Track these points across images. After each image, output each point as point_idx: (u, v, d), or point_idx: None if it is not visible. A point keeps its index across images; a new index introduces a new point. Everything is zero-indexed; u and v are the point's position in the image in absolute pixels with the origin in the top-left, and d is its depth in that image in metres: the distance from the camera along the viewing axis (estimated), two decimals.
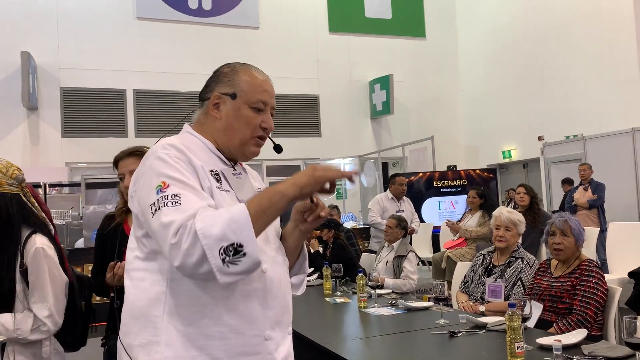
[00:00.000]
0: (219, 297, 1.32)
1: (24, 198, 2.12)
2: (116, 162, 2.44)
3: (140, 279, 1.38)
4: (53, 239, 2.11)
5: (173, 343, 1.32)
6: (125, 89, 10.82)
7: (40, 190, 8.53)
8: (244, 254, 1.22)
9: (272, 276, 1.41)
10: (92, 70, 10.55)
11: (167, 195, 1.27)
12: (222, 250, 1.20)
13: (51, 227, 2.15)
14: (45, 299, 2.01)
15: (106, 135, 10.60)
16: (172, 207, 1.25)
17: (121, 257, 2.25)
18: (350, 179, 1.35)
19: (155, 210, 1.26)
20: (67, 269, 2.15)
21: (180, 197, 1.26)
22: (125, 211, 2.44)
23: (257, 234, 1.25)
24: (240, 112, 1.48)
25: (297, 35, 12.04)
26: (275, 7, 11.96)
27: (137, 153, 2.33)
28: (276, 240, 1.50)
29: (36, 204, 2.16)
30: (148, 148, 1.60)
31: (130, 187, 1.43)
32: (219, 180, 1.41)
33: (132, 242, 1.44)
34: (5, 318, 1.98)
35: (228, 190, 1.42)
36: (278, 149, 1.58)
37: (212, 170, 1.41)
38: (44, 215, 2.17)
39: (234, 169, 1.50)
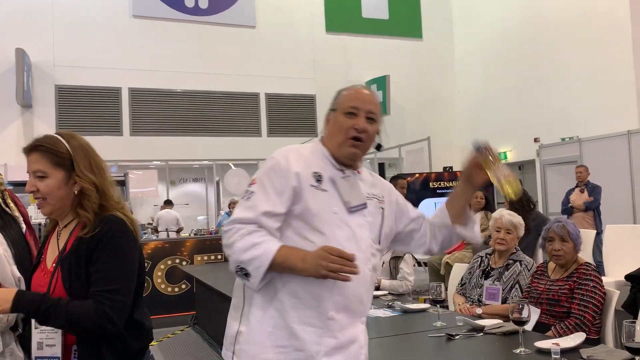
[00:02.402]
0: (292, 276, 1.63)
1: None
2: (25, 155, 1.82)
3: None
4: (12, 235, 2.12)
5: (260, 305, 1.68)
6: (120, 87, 10.76)
7: None
8: (248, 280, 1.62)
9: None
10: (87, 68, 10.49)
11: (249, 191, 1.69)
12: (238, 267, 1.62)
13: (22, 226, 2.21)
14: None
15: (101, 134, 10.53)
16: (245, 202, 1.67)
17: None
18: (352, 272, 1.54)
19: (241, 197, 1.71)
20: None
21: (253, 194, 1.67)
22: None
23: (273, 271, 1.61)
24: (337, 120, 1.77)
25: (293, 35, 12.01)
26: (272, 6, 11.93)
27: (43, 148, 1.73)
28: (364, 242, 1.72)
29: (12, 205, 2.22)
30: (62, 141, 1.73)
31: None
32: (319, 181, 1.70)
33: None
34: None
35: (325, 190, 1.70)
36: (378, 147, 1.84)
37: (315, 172, 1.71)
38: (18, 215, 2.21)
39: (344, 173, 1.76)
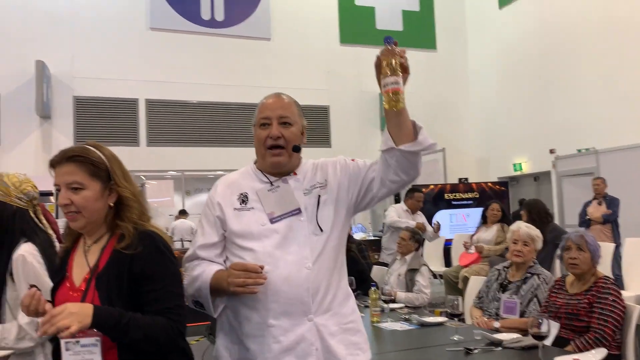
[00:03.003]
0: (232, 295, 1.71)
1: (31, 214, 2.16)
2: (52, 167, 1.70)
3: None
4: (45, 248, 2.11)
5: (220, 325, 1.85)
6: (137, 98, 10.89)
7: (52, 198, 8.56)
8: (204, 309, 1.77)
9: (275, 276, 1.70)
10: (105, 80, 10.63)
11: (196, 230, 1.89)
12: (192, 301, 1.79)
13: (55, 244, 2.16)
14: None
15: (118, 144, 10.61)
16: (194, 237, 1.88)
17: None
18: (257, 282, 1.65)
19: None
20: None
21: (197, 231, 1.86)
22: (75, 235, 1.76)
23: (220, 296, 1.75)
24: (255, 134, 1.86)
25: (307, 46, 12.08)
26: (287, 18, 12.02)
27: (79, 159, 1.64)
28: (297, 241, 1.75)
29: (44, 222, 2.20)
30: (96, 151, 1.69)
31: None
32: (244, 202, 1.80)
33: None
34: None
35: (252, 208, 1.79)
36: (295, 148, 1.83)
37: (241, 194, 1.82)
38: (51, 233, 2.20)
39: (271, 184, 1.82)
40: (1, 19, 10.09)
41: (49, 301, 1.61)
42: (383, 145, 1.76)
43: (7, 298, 2.06)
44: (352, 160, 1.91)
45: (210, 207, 1.83)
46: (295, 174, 1.86)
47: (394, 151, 1.72)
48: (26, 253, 2.05)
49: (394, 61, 1.64)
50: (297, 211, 1.78)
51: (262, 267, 1.64)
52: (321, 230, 1.79)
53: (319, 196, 1.83)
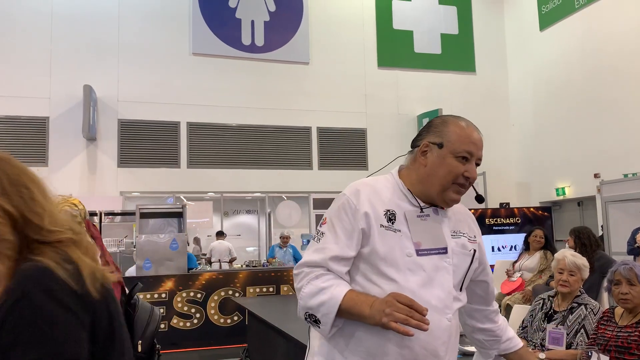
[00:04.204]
0: (359, 323, 1.51)
1: None
2: None
3: None
4: None
5: (325, 354, 1.60)
6: (179, 121, 11.16)
7: (96, 218, 8.81)
8: (319, 327, 1.51)
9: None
10: (148, 103, 10.96)
11: (320, 232, 1.60)
12: (306, 314, 1.53)
13: (99, 260, 2.22)
14: None
15: (159, 166, 10.91)
16: (315, 243, 1.59)
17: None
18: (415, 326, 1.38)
19: (313, 237, 1.63)
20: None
21: (323, 236, 1.58)
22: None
23: (342, 318, 1.51)
24: (445, 161, 1.59)
25: (346, 70, 12.19)
26: (325, 42, 12.18)
27: None
28: (442, 286, 1.56)
29: (88, 238, 2.22)
30: None
31: None
32: (391, 220, 1.56)
33: None
34: None
35: (399, 230, 1.56)
36: (480, 199, 1.68)
37: (388, 210, 1.57)
38: (96, 249, 2.25)
39: (422, 211, 1.60)
40: (52, 46, 10.56)
41: None
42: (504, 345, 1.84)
43: None
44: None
45: (352, 215, 1.55)
46: (443, 208, 1.65)
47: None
48: None
49: None
50: (444, 250, 1.58)
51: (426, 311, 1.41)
52: (460, 289, 1.63)
53: (475, 251, 1.66)
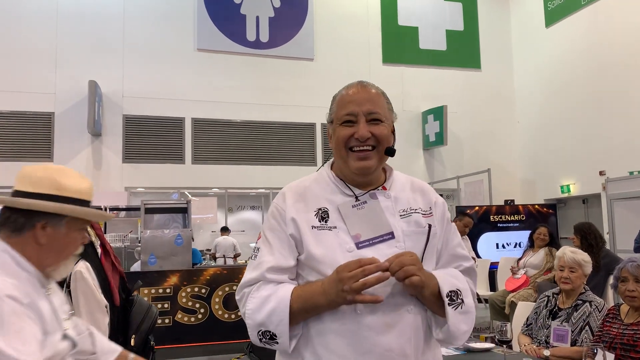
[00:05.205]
0: (314, 330, 1.39)
1: None
2: None
3: None
4: (96, 264, 2.21)
5: None
6: (184, 117, 11.17)
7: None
8: (277, 342, 1.37)
9: (369, 320, 1.36)
10: (153, 99, 10.97)
11: (256, 247, 1.49)
12: (260, 333, 1.38)
13: (98, 249, 2.32)
14: (81, 318, 2.09)
15: (164, 162, 10.93)
16: (252, 261, 1.47)
17: None
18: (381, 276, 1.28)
19: (251, 257, 1.51)
20: (112, 293, 2.24)
21: (258, 251, 1.46)
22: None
23: (299, 321, 1.37)
24: (335, 132, 1.48)
25: (350, 66, 12.16)
26: (330, 38, 12.16)
27: None
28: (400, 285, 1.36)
29: (90, 231, 2.32)
30: None
31: None
32: (324, 219, 1.43)
33: None
34: None
35: (334, 227, 1.42)
36: (389, 151, 1.48)
37: (319, 209, 1.45)
38: (95, 239, 2.35)
39: (357, 199, 1.46)
40: (57, 42, 10.58)
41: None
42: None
43: None
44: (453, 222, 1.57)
45: (280, 222, 1.45)
46: (384, 188, 1.49)
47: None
48: (83, 269, 2.16)
49: None
50: (389, 236, 1.42)
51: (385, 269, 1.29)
52: None
53: (430, 226, 1.47)
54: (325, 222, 1.42)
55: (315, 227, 1.42)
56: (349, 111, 1.45)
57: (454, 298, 1.40)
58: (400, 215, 1.46)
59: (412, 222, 1.46)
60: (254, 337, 1.40)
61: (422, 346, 1.42)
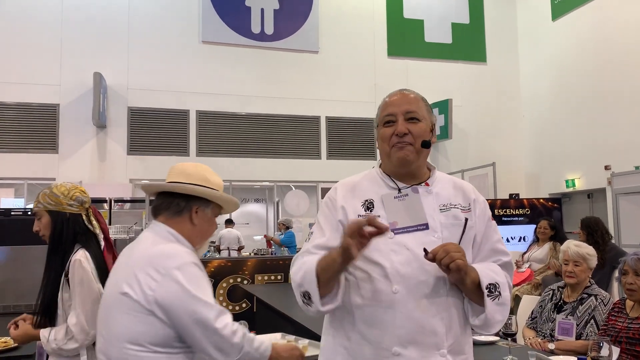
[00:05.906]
0: (354, 306, 1.57)
1: (83, 217, 2.34)
2: None
3: None
4: (97, 254, 2.26)
5: (327, 342, 1.67)
6: (188, 109, 11.17)
7: (106, 205, 8.86)
8: (311, 301, 1.54)
9: (405, 298, 1.53)
10: (158, 91, 10.97)
11: (310, 232, 1.71)
12: (301, 294, 1.58)
13: (102, 242, 2.36)
14: (75, 306, 2.14)
15: (169, 154, 10.94)
16: (305, 244, 1.68)
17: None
18: (375, 228, 1.42)
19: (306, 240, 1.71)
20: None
21: (312, 235, 1.68)
22: None
23: (327, 283, 1.53)
24: (379, 134, 1.69)
25: (355, 59, 12.13)
26: (335, 31, 12.11)
27: None
28: (431, 263, 1.51)
29: (94, 222, 2.37)
30: None
31: None
32: (369, 208, 1.62)
33: None
34: (45, 332, 2.15)
35: (377, 216, 1.55)
36: (425, 144, 1.65)
37: (366, 200, 1.64)
38: (99, 232, 2.38)
39: (399, 192, 1.64)
40: (62, 34, 10.58)
41: None
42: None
43: (60, 298, 2.18)
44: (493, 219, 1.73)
45: (332, 210, 1.66)
46: (427, 184, 1.67)
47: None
48: (82, 258, 2.19)
49: None
50: (424, 227, 1.59)
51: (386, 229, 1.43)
52: None
53: (466, 219, 1.62)
54: (370, 211, 1.62)
55: (360, 215, 1.60)
56: (388, 112, 1.67)
57: (492, 290, 1.55)
58: (440, 210, 1.63)
59: (450, 216, 1.63)
60: (299, 300, 1.59)
61: (455, 328, 1.57)
